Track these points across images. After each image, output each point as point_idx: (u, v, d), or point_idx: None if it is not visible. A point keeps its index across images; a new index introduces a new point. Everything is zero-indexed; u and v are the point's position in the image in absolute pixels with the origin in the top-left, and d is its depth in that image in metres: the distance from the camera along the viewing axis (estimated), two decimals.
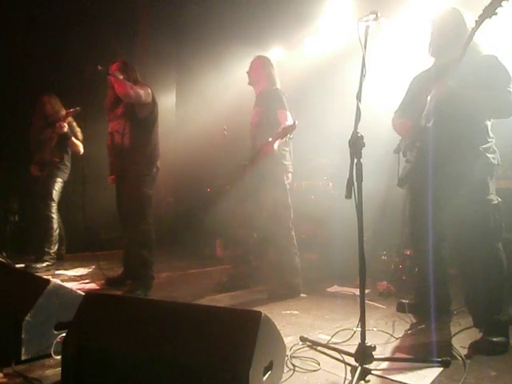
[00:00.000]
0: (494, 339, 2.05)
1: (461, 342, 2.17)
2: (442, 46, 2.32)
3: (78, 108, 4.05)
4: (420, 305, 2.57)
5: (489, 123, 2.24)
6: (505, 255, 2.17)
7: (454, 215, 2.25)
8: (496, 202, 2.17)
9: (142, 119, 3.21)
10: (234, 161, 5.34)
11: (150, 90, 3.22)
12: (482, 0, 1.95)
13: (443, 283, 2.54)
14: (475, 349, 2.05)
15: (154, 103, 3.27)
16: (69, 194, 4.56)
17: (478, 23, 1.98)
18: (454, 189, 2.20)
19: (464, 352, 2.05)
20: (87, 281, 3.68)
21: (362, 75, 1.94)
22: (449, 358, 1.91)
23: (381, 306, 2.81)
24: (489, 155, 2.18)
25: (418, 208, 2.45)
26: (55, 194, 4.22)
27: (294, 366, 1.90)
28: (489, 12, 1.93)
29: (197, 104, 5.38)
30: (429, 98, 2.21)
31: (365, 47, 1.95)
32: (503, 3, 1.89)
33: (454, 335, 2.28)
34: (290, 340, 2.19)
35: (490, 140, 2.22)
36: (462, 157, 2.17)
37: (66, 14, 5.03)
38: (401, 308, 2.68)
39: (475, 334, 2.19)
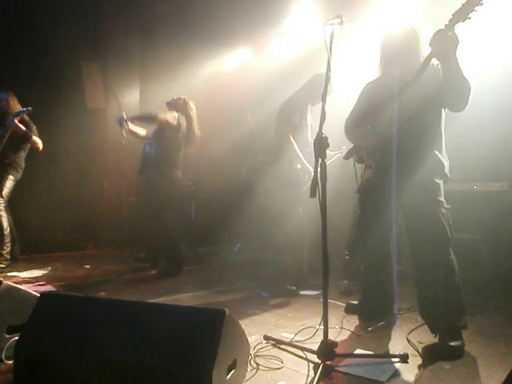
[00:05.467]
0: (453, 343, 2.07)
1: (417, 338, 2.25)
2: (394, 57, 2.34)
3: (29, 108, 3.97)
4: (364, 306, 2.61)
5: (443, 130, 2.31)
6: (455, 259, 2.19)
7: (406, 217, 2.30)
8: (446, 206, 2.20)
9: None
10: (200, 160, 5.30)
11: None
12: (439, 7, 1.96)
13: (386, 284, 2.54)
14: (435, 354, 2.04)
15: None
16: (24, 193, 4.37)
17: (449, 27, 1.93)
18: (407, 191, 2.22)
19: (421, 347, 2.12)
20: (42, 283, 3.52)
21: (327, 77, 1.98)
22: (407, 353, 1.97)
23: (343, 304, 2.86)
24: (442, 160, 2.25)
25: (369, 211, 2.47)
26: (6, 192, 4.02)
27: (257, 364, 1.90)
28: (460, 16, 1.90)
29: (161, 102, 5.28)
30: (394, 105, 2.24)
31: (330, 50, 1.99)
32: (476, 8, 1.84)
33: (411, 331, 2.35)
34: (253, 339, 2.19)
35: (443, 145, 2.29)
36: (417, 159, 2.22)
37: (26, 9, 4.82)
38: (349, 309, 2.72)
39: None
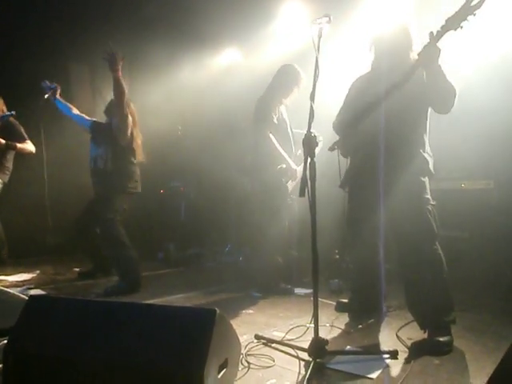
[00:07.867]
0: (441, 339, 2.08)
1: (407, 334, 2.28)
2: (384, 53, 2.35)
3: (13, 112, 3.84)
4: (354, 304, 2.63)
5: (428, 128, 2.33)
6: (442, 254, 2.21)
7: (392, 214, 2.29)
8: (432, 202, 2.23)
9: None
10: (188, 161, 5.29)
11: None
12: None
13: (375, 281, 2.54)
14: (424, 350, 2.05)
15: None
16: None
17: (440, 34, 1.94)
18: (393, 188, 2.22)
19: (410, 343, 2.14)
20: (31, 286, 3.48)
21: (316, 76, 1.99)
22: (396, 349, 1.99)
23: (333, 303, 2.87)
24: (427, 157, 2.27)
25: (356, 209, 2.49)
26: None
27: (248, 363, 1.91)
28: (453, 24, 1.89)
29: (150, 104, 5.26)
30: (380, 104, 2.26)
31: (318, 49, 2.01)
32: (469, 17, 1.84)
33: (401, 328, 2.38)
34: (245, 338, 2.20)
35: (427, 144, 2.31)
36: (404, 157, 2.24)
37: (12, 10, 4.77)
38: (340, 307, 2.73)
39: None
